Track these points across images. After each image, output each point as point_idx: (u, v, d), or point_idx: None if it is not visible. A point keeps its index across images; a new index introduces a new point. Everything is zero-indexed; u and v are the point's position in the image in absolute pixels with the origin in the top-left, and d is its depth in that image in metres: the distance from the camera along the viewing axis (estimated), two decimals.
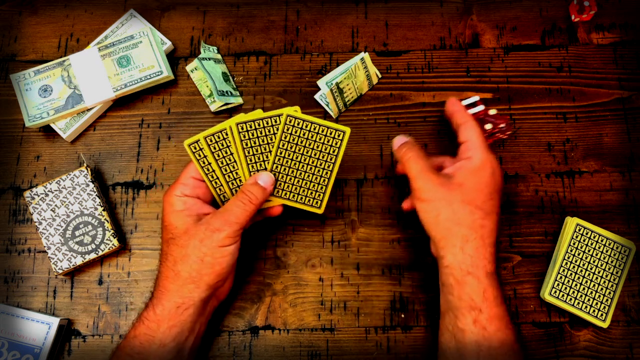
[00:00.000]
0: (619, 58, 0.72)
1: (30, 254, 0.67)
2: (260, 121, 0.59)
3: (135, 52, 0.70)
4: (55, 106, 0.68)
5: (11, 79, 0.69)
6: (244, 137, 0.59)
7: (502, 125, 0.65)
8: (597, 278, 0.63)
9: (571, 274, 0.63)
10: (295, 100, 0.71)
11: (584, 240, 0.64)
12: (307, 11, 0.75)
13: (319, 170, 0.59)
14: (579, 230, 0.64)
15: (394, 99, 0.71)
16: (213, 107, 0.70)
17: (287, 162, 0.59)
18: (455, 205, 0.55)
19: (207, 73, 0.69)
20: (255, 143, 0.59)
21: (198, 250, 0.55)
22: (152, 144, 0.70)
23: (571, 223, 0.64)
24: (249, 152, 0.59)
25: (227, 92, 0.70)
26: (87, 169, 0.66)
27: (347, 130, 0.59)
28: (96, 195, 0.66)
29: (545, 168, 0.68)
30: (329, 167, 0.59)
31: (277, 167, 0.59)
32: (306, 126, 0.59)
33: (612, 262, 0.63)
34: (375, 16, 0.74)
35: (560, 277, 0.63)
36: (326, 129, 0.59)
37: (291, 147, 0.59)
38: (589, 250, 0.63)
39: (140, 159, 0.70)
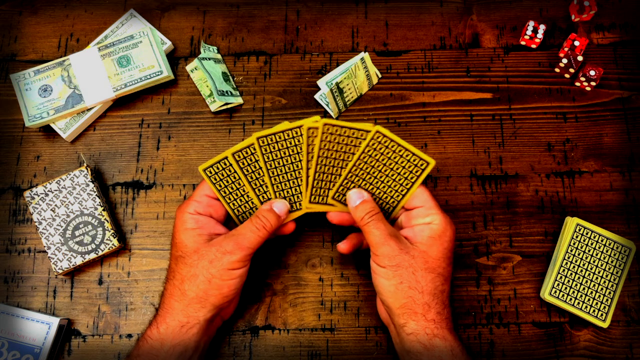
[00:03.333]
0: (619, 58, 0.72)
1: (30, 254, 0.67)
2: (282, 134, 0.58)
3: (135, 52, 0.70)
4: (55, 106, 0.68)
5: (11, 79, 0.69)
6: (266, 150, 0.58)
7: (592, 72, 0.63)
8: (597, 278, 0.63)
9: (571, 274, 0.63)
10: (295, 100, 0.71)
11: (584, 240, 0.64)
12: (307, 11, 0.75)
13: (391, 191, 0.59)
14: (579, 230, 0.64)
15: (394, 99, 0.71)
16: (213, 107, 0.70)
17: (362, 175, 0.59)
18: (418, 274, 0.54)
19: (207, 73, 0.69)
20: (277, 156, 0.58)
21: (207, 271, 0.55)
22: (152, 144, 0.70)
23: (571, 223, 0.64)
24: (270, 166, 0.59)
25: (227, 92, 0.70)
26: (87, 169, 0.66)
27: (432, 162, 0.58)
28: (96, 195, 0.66)
29: (545, 168, 0.68)
30: (401, 191, 0.59)
31: (351, 176, 0.59)
32: (392, 146, 0.58)
33: (612, 262, 0.63)
34: (375, 16, 0.74)
35: (560, 277, 0.63)
36: (411, 154, 0.58)
37: (371, 162, 0.58)
38: (589, 250, 0.63)
39: (140, 159, 0.70)
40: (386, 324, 0.60)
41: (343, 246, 0.61)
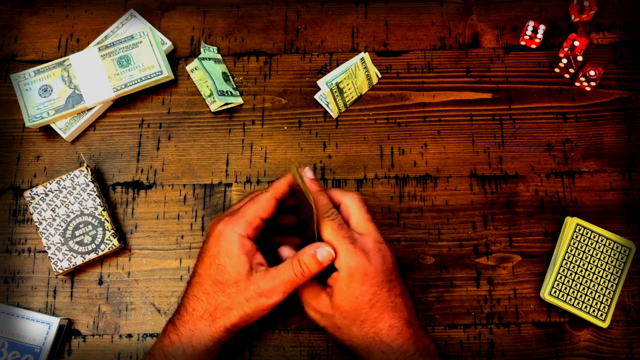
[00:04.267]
0: (619, 58, 0.72)
1: (30, 254, 0.67)
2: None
3: (136, 52, 0.70)
4: (55, 106, 0.68)
5: (11, 79, 0.69)
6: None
7: (592, 72, 0.63)
8: (597, 278, 0.63)
9: (571, 274, 0.63)
10: (296, 100, 0.71)
11: (584, 240, 0.64)
12: (307, 11, 0.75)
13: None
14: (579, 230, 0.64)
15: (394, 99, 0.71)
16: (213, 107, 0.70)
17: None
18: (344, 329, 0.55)
19: (207, 73, 0.69)
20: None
21: (241, 308, 0.54)
22: (152, 144, 0.70)
23: (571, 223, 0.64)
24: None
25: (227, 92, 0.70)
26: (87, 169, 0.66)
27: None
28: (96, 195, 0.66)
29: (545, 168, 0.68)
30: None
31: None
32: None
33: (612, 262, 0.63)
34: (375, 16, 0.74)
35: (560, 277, 0.63)
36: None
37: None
38: (589, 250, 0.63)
39: (141, 159, 0.70)
40: None
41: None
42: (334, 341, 0.63)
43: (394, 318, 0.54)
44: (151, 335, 0.64)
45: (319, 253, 0.54)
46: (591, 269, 0.63)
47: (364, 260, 0.54)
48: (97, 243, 0.65)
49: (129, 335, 0.64)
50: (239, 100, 0.71)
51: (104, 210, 0.65)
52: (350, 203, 0.57)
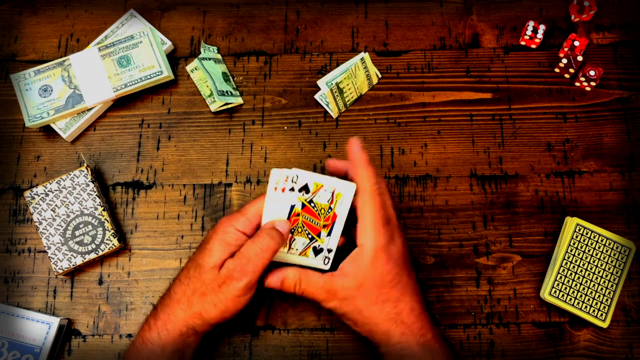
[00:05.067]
0: (619, 58, 0.72)
1: (30, 254, 0.67)
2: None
3: (136, 52, 0.70)
4: (55, 106, 0.68)
5: (11, 79, 0.69)
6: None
7: (592, 72, 0.63)
8: (597, 278, 0.63)
9: (571, 274, 0.63)
10: (296, 100, 0.71)
11: (584, 240, 0.64)
12: (307, 11, 0.75)
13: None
14: (579, 230, 0.64)
15: (394, 99, 0.71)
16: (213, 107, 0.70)
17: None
18: (365, 312, 0.55)
19: (207, 73, 0.69)
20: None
21: (215, 295, 0.55)
22: (152, 144, 0.70)
23: (571, 223, 0.64)
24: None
25: (227, 92, 0.70)
26: (87, 169, 0.66)
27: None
28: (96, 195, 0.66)
29: (545, 168, 0.68)
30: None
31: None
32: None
33: (612, 262, 0.63)
34: (375, 16, 0.74)
35: (560, 277, 0.63)
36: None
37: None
38: (589, 250, 0.63)
39: (141, 159, 0.70)
40: None
41: (270, 283, 0.58)
42: (334, 341, 0.63)
43: (414, 301, 0.56)
44: None
45: (278, 224, 0.55)
46: (591, 269, 0.63)
47: (389, 240, 0.55)
48: (97, 243, 0.65)
49: (129, 335, 0.64)
50: (239, 100, 0.71)
51: (104, 210, 0.65)
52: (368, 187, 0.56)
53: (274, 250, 0.55)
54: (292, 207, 0.56)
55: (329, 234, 0.57)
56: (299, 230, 0.57)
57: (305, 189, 0.56)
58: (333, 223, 0.57)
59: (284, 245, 0.56)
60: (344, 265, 0.56)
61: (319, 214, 0.57)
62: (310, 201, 0.57)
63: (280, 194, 0.56)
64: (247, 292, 0.55)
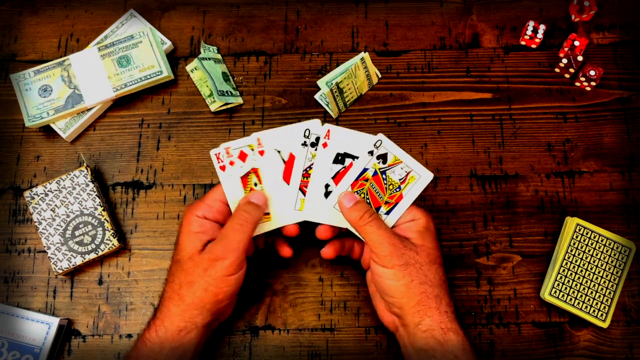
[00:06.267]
0: (619, 58, 0.72)
1: (30, 254, 0.67)
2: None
3: (135, 52, 0.70)
4: (55, 106, 0.68)
5: (11, 79, 0.69)
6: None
7: (592, 72, 0.63)
8: (597, 278, 0.63)
9: (571, 274, 0.63)
10: (296, 100, 0.71)
11: (584, 240, 0.64)
12: (307, 11, 0.75)
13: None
14: (579, 230, 0.64)
15: (394, 99, 0.71)
16: (213, 107, 0.70)
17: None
18: (425, 268, 0.55)
19: (207, 73, 0.69)
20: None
21: (202, 279, 0.55)
22: (152, 144, 0.70)
23: (571, 223, 0.64)
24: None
25: (227, 92, 0.70)
26: (87, 169, 0.66)
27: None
28: (96, 195, 0.66)
29: (545, 168, 0.68)
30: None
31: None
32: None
33: (612, 262, 0.63)
34: (375, 16, 0.74)
35: (560, 277, 0.63)
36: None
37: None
38: (589, 250, 0.63)
39: (140, 159, 0.70)
40: (391, 328, 0.59)
41: (327, 251, 0.60)
42: (334, 341, 0.63)
43: (446, 280, 0.57)
44: None
45: (252, 197, 0.57)
46: (591, 269, 0.63)
47: (431, 217, 0.58)
48: (97, 243, 0.65)
49: (129, 336, 0.64)
50: (239, 100, 0.71)
51: (103, 210, 0.65)
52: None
53: (254, 222, 0.56)
54: (365, 170, 0.57)
55: (387, 212, 0.57)
56: (362, 195, 0.57)
57: (383, 157, 0.56)
58: (396, 204, 0.57)
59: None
60: (403, 230, 0.57)
61: (386, 188, 0.57)
62: (384, 172, 0.57)
63: (230, 169, 0.57)
64: (236, 270, 0.55)
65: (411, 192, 0.57)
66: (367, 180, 0.57)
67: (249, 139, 0.58)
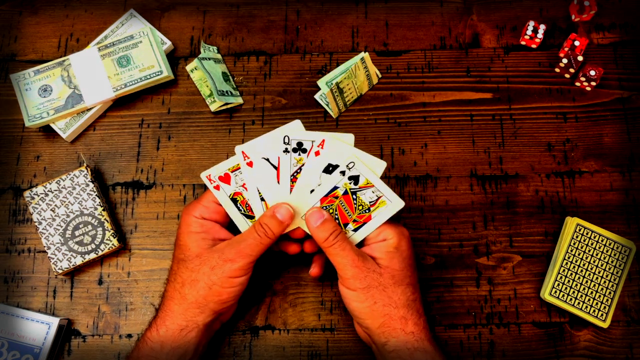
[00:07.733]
0: (619, 58, 0.72)
1: (30, 254, 0.67)
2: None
3: (135, 52, 0.70)
4: (55, 106, 0.68)
5: (11, 79, 0.69)
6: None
7: (592, 72, 0.63)
8: (597, 278, 0.63)
9: (571, 274, 0.63)
10: (296, 100, 0.71)
11: (584, 240, 0.64)
12: (307, 11, 0.75)
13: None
14: (579, 230, 0.64)
15: (394, 99, 0.71)
16: (213, 107, 0.70)
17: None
18: (389, 290, 0.55)
19: (207, 73, 0.69)
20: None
21: (208, 277, 0.55)
22: (152, 144, 0.70)
23: (571, 223, 0.64)
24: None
25: (227, 92, 0.69)
26: (87, 169, 0.66)
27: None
28: (96, 195, 0.66)
29: (545, 168, 0.68)
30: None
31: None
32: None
33: (612, 262, 0.63)
34: (375, 16, 0.74)
35: (560, 277, 0.63)
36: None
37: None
38: (589, 250, 0.63)
39: (140, 159, 0.70)
40: (367, 344, 0.60)
41: (313, 269, 0.61)
42: (334, 341, 0.63)
43: (419, 299, 0.57)
44: None
45: (278, 212, 0.56)
46: (591, 269, 0.63)
47: (406, 235, 0.57)
48: (97, 243, 0.65)
49: (129, 336, 0.64)
50: (239, 100, 0.71)
51: (103, 210, 0.65)
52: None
53: (273, 237, 0.56)
54: (336, 188, 0.57)
55: (355, 230, 0.57)
56: (330, 210, 0.57)
57: (355, 179, 0.56)
58: (364, 223, 0.57)
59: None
60: (372, 249, 0.57)
61: (356, 208, 0.57)
62: (354, 193, 0.57)
63: (225, 187, 0.58)
64: (242, 274, 0.55)
65: (380, 216, 0.57)
66: (337, 197, 0.57)
67: (233, 159, 0.59)
